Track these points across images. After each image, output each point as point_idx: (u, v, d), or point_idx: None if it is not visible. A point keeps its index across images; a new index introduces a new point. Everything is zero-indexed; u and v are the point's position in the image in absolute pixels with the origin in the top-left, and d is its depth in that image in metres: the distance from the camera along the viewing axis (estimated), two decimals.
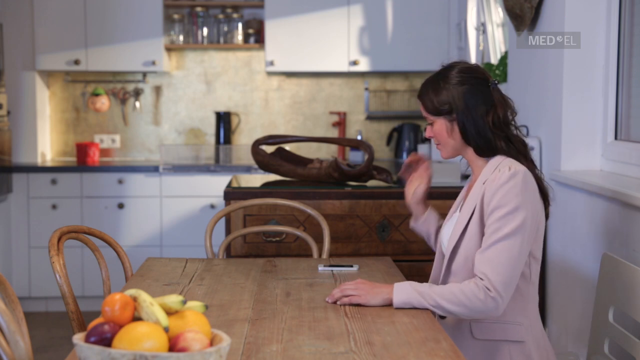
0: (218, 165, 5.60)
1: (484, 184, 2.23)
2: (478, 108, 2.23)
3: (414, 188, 2.53)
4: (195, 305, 1.59)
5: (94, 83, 5.89)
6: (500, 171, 2.19)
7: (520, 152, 2.26)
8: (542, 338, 2.29)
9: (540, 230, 2.23)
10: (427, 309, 2.15)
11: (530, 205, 2.16)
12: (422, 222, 2.56)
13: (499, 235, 2.13)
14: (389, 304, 2.15)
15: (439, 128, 2.29)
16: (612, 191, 2.79)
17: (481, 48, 4.96)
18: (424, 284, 2.19)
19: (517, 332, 2.24)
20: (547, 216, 2.29)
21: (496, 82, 2.28)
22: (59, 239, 2.41)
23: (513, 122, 2.28)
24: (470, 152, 2.30)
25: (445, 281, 2.33)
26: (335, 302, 2.18)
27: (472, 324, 2.25)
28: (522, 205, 2.13)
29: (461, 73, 2.26)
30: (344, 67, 5.62)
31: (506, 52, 4.25)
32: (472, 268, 2.23)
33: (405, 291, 2.15)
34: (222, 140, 5.85)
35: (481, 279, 2.12)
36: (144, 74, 5.90)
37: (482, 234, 2.22)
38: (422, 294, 2.14)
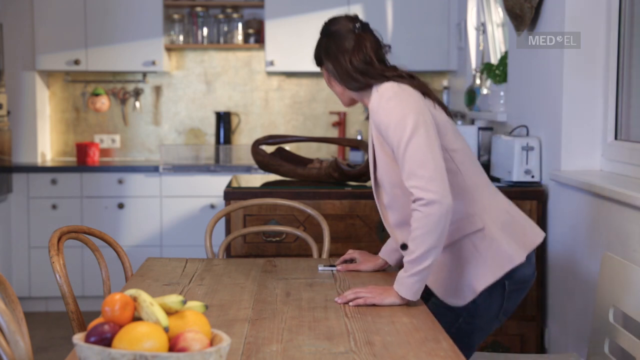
0: (218, 165, 5.60)
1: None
2: (340, 53, 2.39)
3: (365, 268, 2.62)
4: (195, 305, 1.59)
5: (94, 83, 5.89)
6: (374, 94, 2.34)
7: (395, 76, 2.35)
8: (504, 215, 2.37)
9: (443, 125, 2.32)
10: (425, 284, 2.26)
11: (414, 105, 2.25)
12: (394, 262, 2.61)
13: (403, 145, 2.21)
14: (404, 303, 2.18)
15: (325, 78, 2.50)
16: (612, 191, 2.79)
17: (481, 48, 4.96)
18: (405, 263, 2.20)
19: (472, 223, 2.33)
20: (450, 115, 2.39)
21: (358, 26, 2.41)
22: (59, 239, 2.41)
23: (379, 59, 2.39)
24: (353, 93, 2.45)
25: (386, 216, 2.45)
26: (346, 303, 2.18)
27: None
28: (405, 110, 2.23)
29: (327, 25, 2.46)
30: None
31: (506, 52, 4.25)
32: (401, 192, 2.33)
33: (404, 284, 2.17)
34: (222, 140, 5.85)
35: (413, 196, 2.18)
36: (144, 74, 5.90)
37: (388, 154, 2.33)
38: (408, 270, 2.17)
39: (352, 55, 2.37)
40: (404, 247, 2.35)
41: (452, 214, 2.22)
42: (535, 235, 2.41)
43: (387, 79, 2.34)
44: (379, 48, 2.42)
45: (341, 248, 3.55)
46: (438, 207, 2.13)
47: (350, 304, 2.18)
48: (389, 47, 2.47)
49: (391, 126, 2.24)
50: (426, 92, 2.34)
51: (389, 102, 2.27)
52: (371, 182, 2.48)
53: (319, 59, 2.47)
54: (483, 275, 2.30)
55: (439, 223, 2.14)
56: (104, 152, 5.91)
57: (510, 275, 2.32)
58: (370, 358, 1.73)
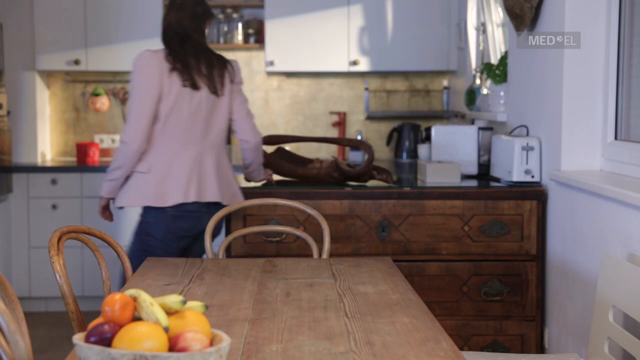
0: None
1: None
2: (166, 18, 3.48)
3: None
4: (195, 305, 1.59)
5: (94, 83, 5.89)
6: None
7: (169, 48, 3.39)
8: (162, 173, 3.25)
9: (167, 92, 3.26)
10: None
11: (144, 70, 3.28)
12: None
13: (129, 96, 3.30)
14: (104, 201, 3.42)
15: None
16: (612, 191, 2.79)
17: (481, 48, 4.96)
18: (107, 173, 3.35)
19: (142, 165, 3.26)
20: (190, 85, 3.29)
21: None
22: (59, 239, 2.41)
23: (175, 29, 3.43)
24: None
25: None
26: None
27: None
28: (132, 79, 3.28)
29: None
30: (344, 67, 5.62)
31: (506, 52, 4.25)
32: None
33: (103, 187, 3.32)
34: None
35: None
36: None
37: None
38: (106, 176, 3.33)
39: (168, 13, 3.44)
40: None
41: (140, 153, 3.23)
42: (167, 197, 3.25)
43: (166, 45, 3.38)
44: (193, 20, 3.40)
45: (341, 248, 3.56)
46: (121, 148, 3.23)
47: None
48: (211, 14, 3.47)
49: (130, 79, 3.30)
50: (175, 67, 3.28)
51: (134, 62, 3.30)
52: None
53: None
54: (129, 198, 3.30)
55: (125, 157, 3.22)
56: (104, 152, 5.91)
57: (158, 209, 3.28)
58: (370, 358, 1.73)
